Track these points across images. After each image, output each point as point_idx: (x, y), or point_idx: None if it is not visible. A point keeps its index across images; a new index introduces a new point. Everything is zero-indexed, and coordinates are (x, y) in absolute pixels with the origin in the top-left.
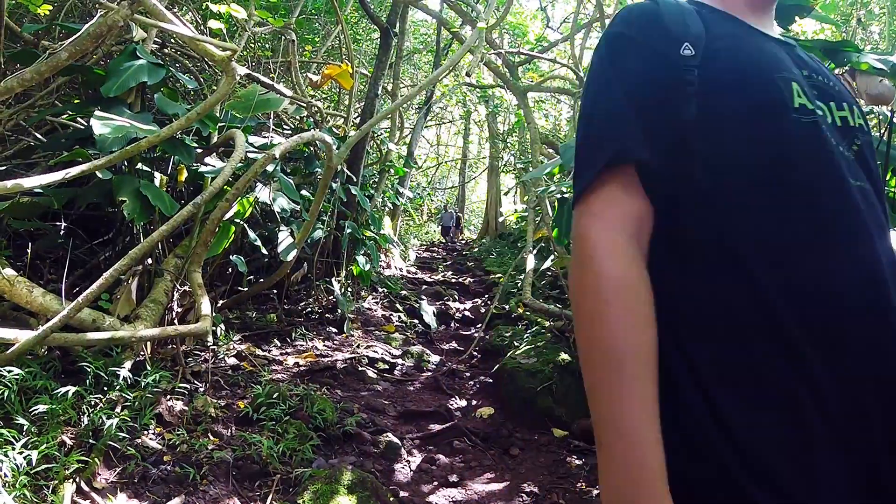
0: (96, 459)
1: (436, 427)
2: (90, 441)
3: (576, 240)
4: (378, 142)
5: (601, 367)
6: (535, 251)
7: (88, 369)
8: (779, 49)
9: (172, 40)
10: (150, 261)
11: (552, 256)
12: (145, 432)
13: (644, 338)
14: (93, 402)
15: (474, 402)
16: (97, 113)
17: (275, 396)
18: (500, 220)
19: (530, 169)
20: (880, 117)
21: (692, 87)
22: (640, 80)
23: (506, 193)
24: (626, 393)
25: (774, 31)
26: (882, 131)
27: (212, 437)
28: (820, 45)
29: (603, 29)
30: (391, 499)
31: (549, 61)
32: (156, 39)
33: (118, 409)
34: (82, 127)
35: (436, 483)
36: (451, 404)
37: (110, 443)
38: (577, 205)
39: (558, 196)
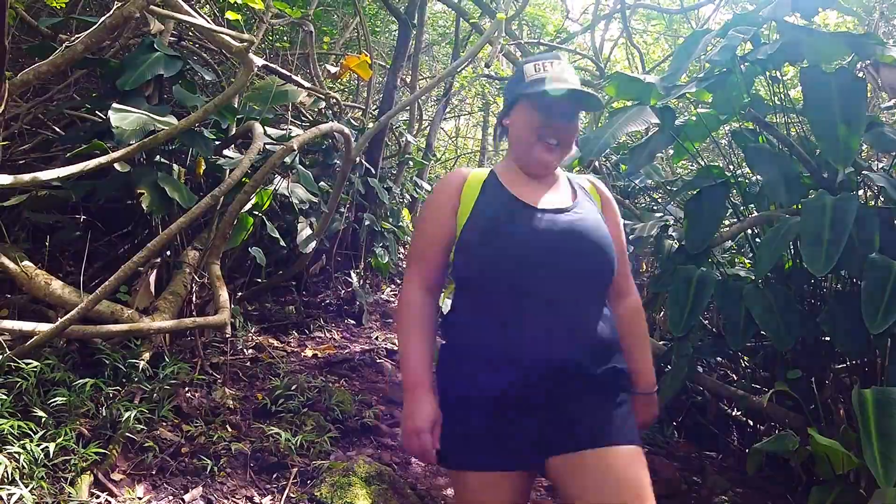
0: (114, 451)
1: None
2: (108, 433)
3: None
4: (397, 134)
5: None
6: None
7: (107, 361)
8: None
9: (190, 32)
10: (168, 253)
11: None
12: (163, 424)
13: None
14: (111, 394)
15: None
16: (115, 105)
17: (293, 388)
18: None
19: None
20: None
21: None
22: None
23: None
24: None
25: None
26: None
27: (230, 429)
28: (844, 38)
29: (623, 20)
30: (408, 491)
31: (569, 52)
32: (173, 32)
33: (136, 401)
34: (100, 120)
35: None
36: None
37: (128, 434)
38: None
39: None
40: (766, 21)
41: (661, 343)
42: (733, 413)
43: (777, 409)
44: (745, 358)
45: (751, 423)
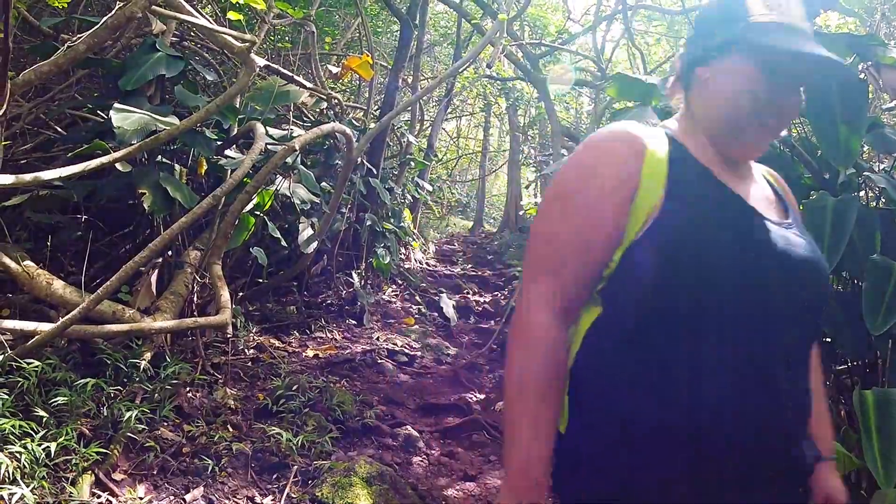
0: (115, 451)
1: (455, 420)
2: (109, 433)
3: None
4: (398, 134)
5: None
6: None
7: (108, 361)
8: None
9: (192, 33)
10: (170, 253)
11: None
12: (164, 424)
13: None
14: (112, 394)
15: (493, 396)
16: (116, 105)
17: (294, 388)
18: (521, 213)
19: (551, 162)
20: None
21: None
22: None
23: (526, 187)
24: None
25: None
26: None
27: (231, 429)
28: (845, 40)
29: (625, 21)
30: (409, 491)
31: (570, 53)
32: (175, 32)
33: (137, 401)
34: (102, 120)
35: (454, 476)
36: (471, 397)
37: (129, 434)
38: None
39: None
40: None
41: None
42: None
43: None
44: None
45: None
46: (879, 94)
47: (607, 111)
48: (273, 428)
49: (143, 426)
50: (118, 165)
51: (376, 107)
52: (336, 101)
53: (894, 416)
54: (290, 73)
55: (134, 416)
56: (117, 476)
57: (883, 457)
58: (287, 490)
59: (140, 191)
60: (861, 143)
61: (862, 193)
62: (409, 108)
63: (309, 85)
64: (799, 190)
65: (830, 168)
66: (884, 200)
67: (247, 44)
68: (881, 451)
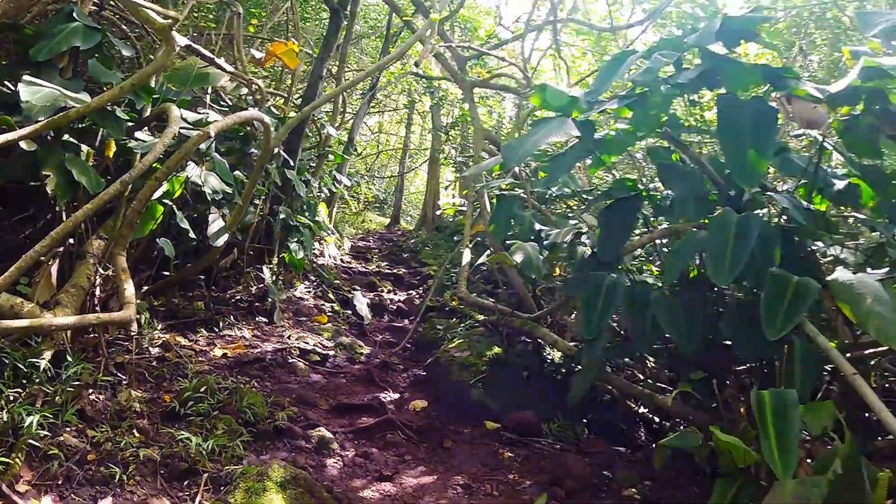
0: (17, 460)
1: (369, 420)
2: (10, 440)
3: None
4: (318, 125)
5: None
6: (471, 245)
7: (6, 360)
8: None
9: (111, 3)
10: (72, 242)
11: (487, 252)
12: (67, 429)
13: None
14: (11, 397)
15: (407, 395)
16: (25, 78)
17: (202, 390)
18: (438, 212)
19: (471, 164)
20: (811, 140)
21: None
22: None
23: (446, 187)
24: None
25: None
26: (812, 153)
27: (137, 434)
28: (762, 70)
29: (554, 32)
30: (325, 494)
31: (498, 59)
32: (95, 1)
33: (38, 404)
34: (9, 92)
35: (369, 477)
36: (385, 397)
37: (31, 441)
38: None
39: (497, 193)
40: (690, 48)
41: (571, 345)
42: (640, 410)
43: (681, 407)
44: (651, 359)
45: (657, 419)
46: (789, 121)
47: (529, 118)
48: (181, 432)
49: (45, 432)
50: (22, 144)
51: (297, 95)
52: (256, 87)
53: (788, 415)
54: (212, 55)
55: (35, 421)
56: (21, 487)
57: (779, 451)
58: (199, 497)
59: (44, 173)
60: (767, 166)
61: (765, 211)
62: (332, 100)
63: (230, 69)
64: (705, 205)
65: (737, 186)
66: (786, 219)
67: (169, 20)
68: (777, 445)
